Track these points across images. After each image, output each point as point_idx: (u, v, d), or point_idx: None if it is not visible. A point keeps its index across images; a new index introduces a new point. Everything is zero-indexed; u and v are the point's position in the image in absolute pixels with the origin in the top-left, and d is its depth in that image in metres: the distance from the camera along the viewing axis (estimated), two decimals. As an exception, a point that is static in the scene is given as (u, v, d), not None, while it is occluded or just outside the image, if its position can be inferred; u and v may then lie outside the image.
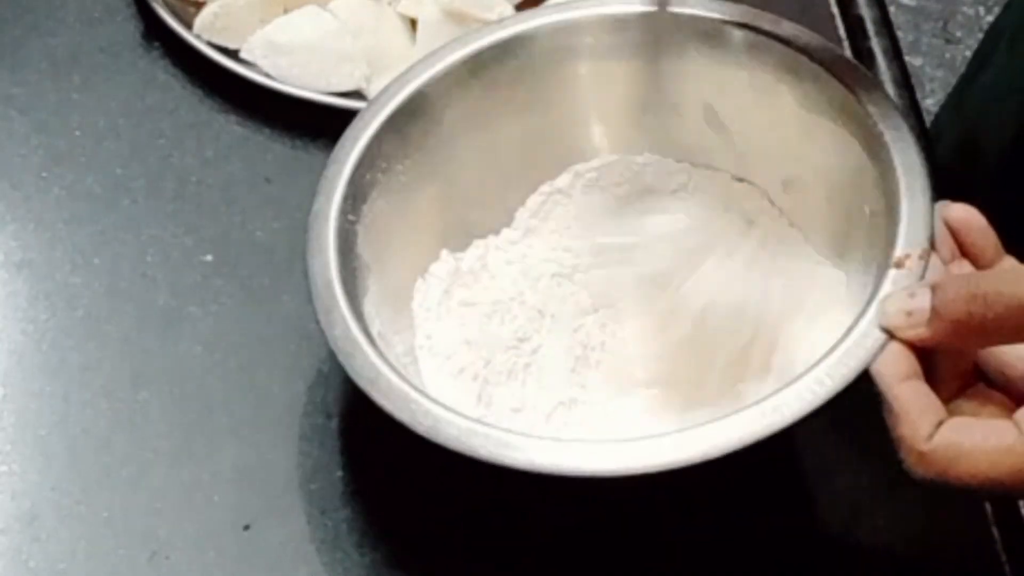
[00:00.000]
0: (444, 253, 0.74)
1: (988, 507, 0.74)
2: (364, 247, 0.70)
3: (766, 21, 0.75)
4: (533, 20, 0.78)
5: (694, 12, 0.76)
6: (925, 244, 0.64)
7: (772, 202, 0.76)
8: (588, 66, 0.77)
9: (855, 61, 0.73)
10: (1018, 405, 0.59)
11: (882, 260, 0.65)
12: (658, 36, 0.76)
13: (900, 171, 0.68)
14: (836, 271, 0.73)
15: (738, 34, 0.75)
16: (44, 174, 0.83)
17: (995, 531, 0.73)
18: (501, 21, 0.79)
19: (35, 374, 0.75)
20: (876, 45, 0.93)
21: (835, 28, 0.95)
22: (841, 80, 0.72)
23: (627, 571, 0.69)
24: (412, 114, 0.74)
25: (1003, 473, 0.57)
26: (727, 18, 0.75)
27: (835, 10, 0.96)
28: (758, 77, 0.75)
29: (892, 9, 1.01)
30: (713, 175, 0.77)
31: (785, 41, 0.74)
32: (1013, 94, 0.95)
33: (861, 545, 0.73)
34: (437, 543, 0.70)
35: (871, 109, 0.70)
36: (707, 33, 0.75)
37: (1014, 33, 0.97)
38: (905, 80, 0.92)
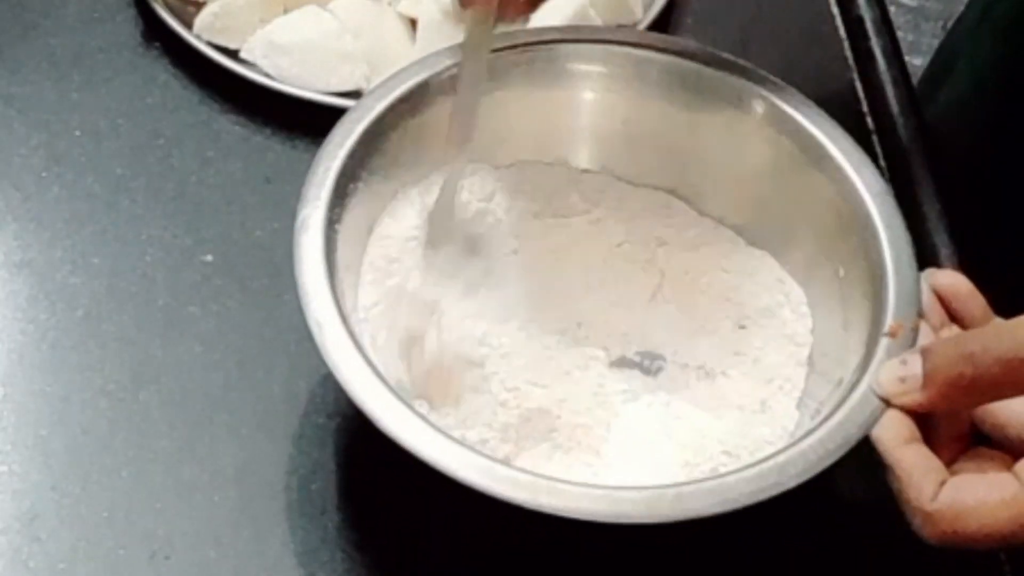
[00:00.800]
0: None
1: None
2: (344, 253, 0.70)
3: (769, 82, 0.76)
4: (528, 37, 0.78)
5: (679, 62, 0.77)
6: (915, 315, 0.66)
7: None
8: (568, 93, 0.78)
9: (841, 128, 0.74)
10: (1016, 460, 0.60)
11: (872, 328, 0.67)
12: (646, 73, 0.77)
13: (885, 241, 0.69)
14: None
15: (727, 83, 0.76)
16: (44, 174, 0.83)
17: (995, 531, 0.74)
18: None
19: (35, 374, 0.75)
20: (876, 45, 0.93)
21: (835, 28, 0.95)
22: (825, 140, 0.73)
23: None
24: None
25: (1004, 524, 0.58)
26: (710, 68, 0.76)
27: (835, 10, 0.96)
28: (738, 126, 0.76)
29: (892, 9, 1.02)
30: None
31: (773, 96, 0.75)
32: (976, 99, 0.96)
33: (861, 545, 0.73)
34: (435, 545, 0.70)
35: (854, 174, 0.72)
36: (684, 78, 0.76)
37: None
38: (905, 80, 0.92)
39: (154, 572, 0.69)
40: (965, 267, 0.84)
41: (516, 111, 0.77)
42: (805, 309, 0.74)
